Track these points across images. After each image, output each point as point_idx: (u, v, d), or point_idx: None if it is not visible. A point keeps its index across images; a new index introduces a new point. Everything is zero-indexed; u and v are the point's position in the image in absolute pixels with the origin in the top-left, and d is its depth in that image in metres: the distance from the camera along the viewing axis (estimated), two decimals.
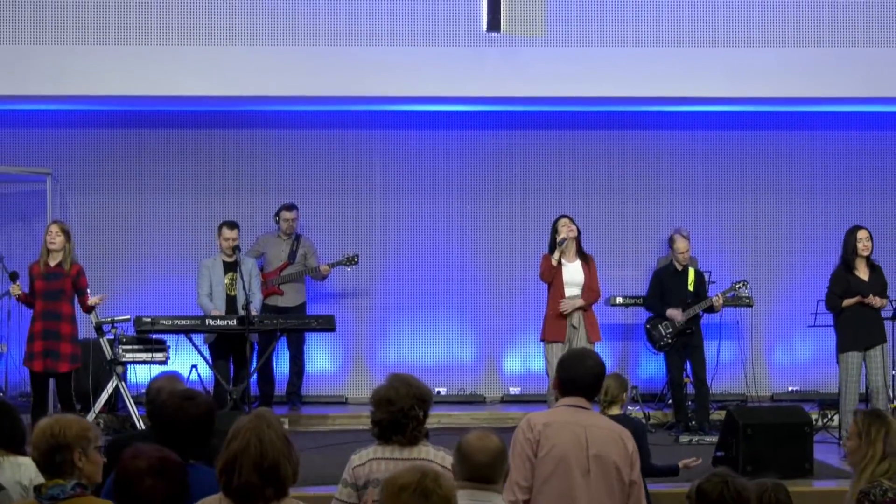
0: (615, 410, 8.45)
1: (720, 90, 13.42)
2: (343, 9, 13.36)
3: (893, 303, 12.06)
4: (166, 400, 5.84)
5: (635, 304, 13.84)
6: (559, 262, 11.57)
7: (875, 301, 11.43)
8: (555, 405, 6.12)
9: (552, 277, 11.56)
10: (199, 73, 13.20)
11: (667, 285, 12.63)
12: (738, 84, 13.38)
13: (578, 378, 6.03)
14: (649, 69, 13.29)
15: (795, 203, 14.49)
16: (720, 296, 12.41)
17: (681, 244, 12.67)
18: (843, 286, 11.51)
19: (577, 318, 11.55)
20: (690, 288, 12.52)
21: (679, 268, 12.65)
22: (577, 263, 11.62)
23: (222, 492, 4.69)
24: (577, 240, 11.69)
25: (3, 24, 13.21)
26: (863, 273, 11.54)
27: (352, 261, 13.64)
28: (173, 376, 6.90)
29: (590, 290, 11.65)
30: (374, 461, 5.80)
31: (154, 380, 6.83)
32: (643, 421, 11.88)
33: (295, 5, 13.35)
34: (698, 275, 12.64)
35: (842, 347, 11.50)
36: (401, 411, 5.79)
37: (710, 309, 12.47)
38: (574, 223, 11.68)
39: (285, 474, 4.66)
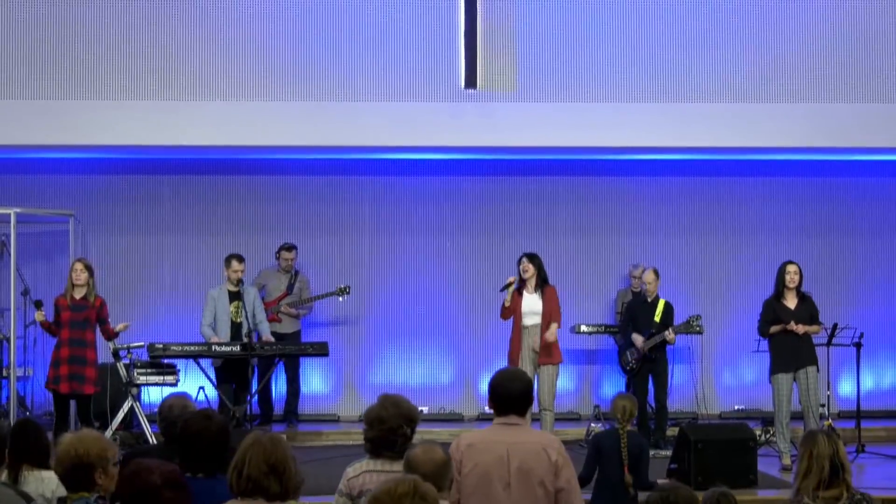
0: (629, 427, 8.59)
1: (673, 140, 13.49)
2: (337, 68, 13.41)
3: (827, 330, 12.09)
4: (189, 420, 5.79)
5: (598, 332, 13.87)
6: (512, 299, 11.66)
7: (798, 328, 11.47)
8: (492, 424, 6.00)
9: (509, 316, 11.71)
10: (206, 126, 13.21)
11: (636, 313, 12.65)
12: (689, 135, 13.44)
13: (507, 397, 5.94)
14: (610, 121, 13.35)
15: (741, 241, 14.55)
16: (671, 331, 12.40)
17: (648, 276, 12.70)
18: (771, 314, 11.61)
19: (537, 344, 11.60)
20: (657, 318, 12.51)
21: (649, 299, 12.67)
22: (536, 295, 11.69)
23: (233, 490, 4.65)
24: (541, 273, 11.73)
25: (33, 80, 13.23)
26: (791, 303, 11.61)
27: (344, 291, 13.65)
28: (183, 396, 6.89)
29: (549, 314, 11.70)
30: (367, 473, 5.76)
31: (165, 399, 6.81)
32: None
33: (294, 65, 13.39)
34: (667, 306, 12.62)
35: (773, 370, 11.58)
36: (390, 429, 5.76)
37: (667, 340, 12.49)
38: (533, 261, 11.73)
39: (290, 474, 4.61)
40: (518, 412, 5.93)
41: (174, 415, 6.48)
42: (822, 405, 12.34)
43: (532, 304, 11.68)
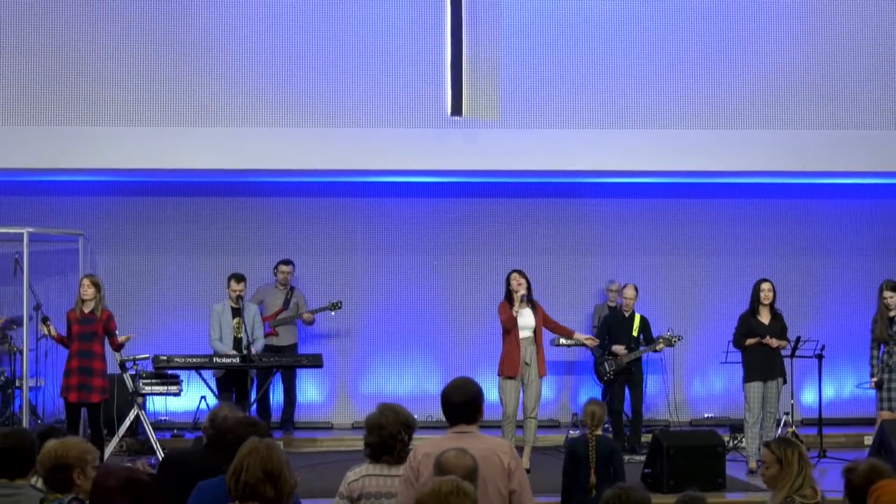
0: (599, 431, 8.46)
1: (647, 164, 13.53)
2: (332, 97, 13.44)
3: (792, 342, 12.16)
4: (233, 426, 5.75)
5: (576, 345, 13.84)
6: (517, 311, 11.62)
7: (772, 342, 11.54)
8: (446, 433, 5.93)
9: (514, 324, 11.58)
10: (208, 150, 13.23)
11: (614, 328, 12.66)
12: (662, 159, 13.50)
13: (450, 408, 5.90)
14: (587, 146, 13.41)
15: (710, 259, 14.58)
16: (662, 342, 12.43)
17: (628, 292, 12.73)
18: (747, 328, 11.66)
19: (529, 356, 11.55)
20: (634, 333, 12.53)
21: (626, 314, 12.69)
22: (528, 310, 11.64)
23: (231, 493, 4.64)
24: (528, 290, 11.71)
25: (44, 107, 13.25)
26: (765, 318, 11.66)
27: (336, 306, 13.66)
28: (235, 404, 6.82)
29: (557, 326, 11.85)
30: (367, 477, 5.73)
31: (216, 408, 6.71)
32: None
33: (291, 93, 13.42)
34: (643, 321, 12.63)
35: (746, 378, 11.62)
36: (389, 435, 5.73)
37: (655, 350, 12.53)
38: (523, 276, 11.71)
39: (285, 480, 4.60)
40: (466, 421, 5.87)
41: (228, 426, 6.36)
42: (787, 413, 12.39)
43: (526, 318, 11.61)
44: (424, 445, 5.81)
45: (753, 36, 13.71)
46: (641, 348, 12.48)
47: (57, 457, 5.24)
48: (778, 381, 11.58)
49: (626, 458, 11.89)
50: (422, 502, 4.20)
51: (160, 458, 6.55)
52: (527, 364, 11.52)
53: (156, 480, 5.72)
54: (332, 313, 13.77)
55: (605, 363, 12.65)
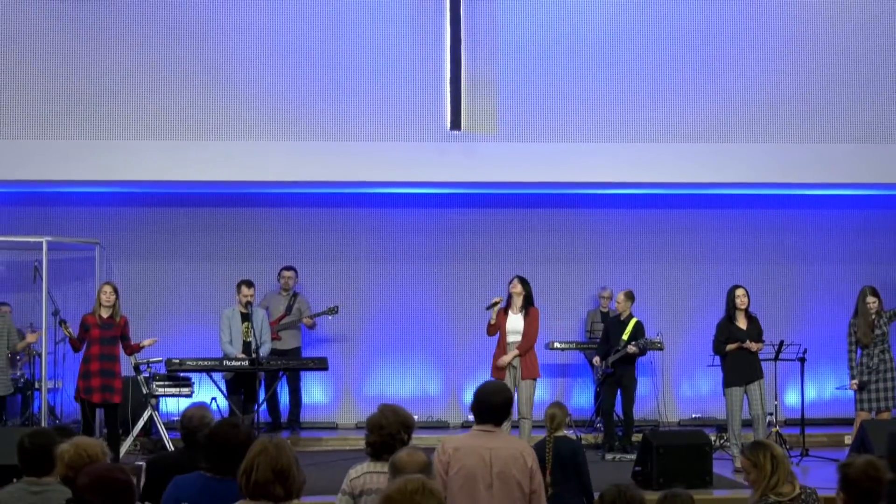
0: (561, 432, 8.25)
1: (639, 176, 13.59)
2: (337, 112, 13.49)
3: (774, 346, 12.19)
4: (217, 428, 5.76)
5: (569, 348, 13.91)
6: (498, 317, 11.63)
7: (751, 346, 11.55)
8: (471, 430, 6.02)
9: (494, 332, 11.64)
10: (218, 163, 13.28)
11: (610, 331, 12.67)
12: (654, 171, 13.56)
13: (486, 408, 5.97)
14: (580, 160, 13.45)
15: (697, 266, 14.61)
16: (633, 346, 12.39)
17: (619, 297, 12.75)
18: (725, 334, 11.66)
19: (516, 359, 11.57)
20: (625, 337, 12.48)
21: (622, 318, 12.69)
22: (520, 315, 11.65)
23: (242, 491, 4.67)
24: (527, 294, 11.69)
25: (62, 122, 13.31)
26: (742, 323, 11.67)
27: (333, 311, 13.69)
28: (202, 406, 6.87)
29: (524, 337, 11.64)
30: (368, 474, 5.75)
31: (186, 410, 6.78)
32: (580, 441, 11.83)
33: (298, 108, 13.47)
34: (637, 325, 12.57)
35: (726, 383, 11.62)
36: (389, 435, 5.76)
37: (637, 353, 12.46)
38: (523, 284, 11.66)
39: (294, 478, 4.63)
40: (495, 421, 5.97)
41: (193, 424, 6.48)
42: (770, 413, 12.41)
43: (515, 323, 11.62)
44: (453, 440, 5.95)
45: (739, 54, 13.76)
46: (615, 350, 12.47)
47: (89, 455, 5.29)
48: (760, 382, 11.60)
49: (618, 457, 11.95)
50: (390, 499, 4.19)
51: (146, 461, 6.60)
52: (513, 367, 11.56)
53: (147, 480, 5.75)
54: (330, 317, 13.83)
55: (596, 366, 12.71)
